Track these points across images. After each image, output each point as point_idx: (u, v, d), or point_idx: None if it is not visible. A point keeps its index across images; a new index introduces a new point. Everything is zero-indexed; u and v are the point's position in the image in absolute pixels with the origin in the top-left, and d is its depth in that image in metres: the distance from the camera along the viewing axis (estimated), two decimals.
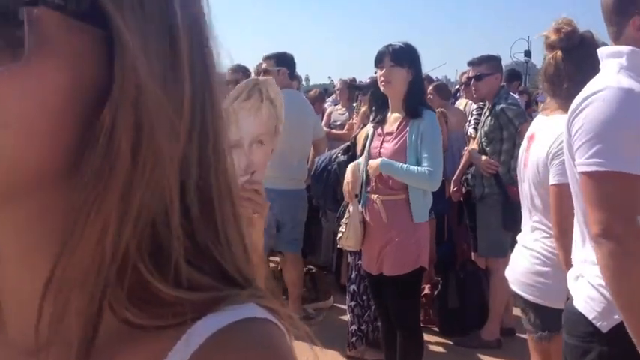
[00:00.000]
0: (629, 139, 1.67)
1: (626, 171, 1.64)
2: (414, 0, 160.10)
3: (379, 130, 3.55)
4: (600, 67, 1.89)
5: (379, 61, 3.45)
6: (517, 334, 4.51)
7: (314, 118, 5.23)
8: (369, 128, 3.67)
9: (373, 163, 3.36)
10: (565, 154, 1.87)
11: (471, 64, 4.71)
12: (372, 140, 3.59)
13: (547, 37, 2.38)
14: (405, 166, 3.32)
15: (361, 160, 3.61)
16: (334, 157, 4.24)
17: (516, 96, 5.86)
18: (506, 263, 4.44)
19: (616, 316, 1.73)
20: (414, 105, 3.39)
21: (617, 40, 1.87)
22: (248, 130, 1.62)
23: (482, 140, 4.56)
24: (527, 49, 27.44)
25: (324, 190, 4.13)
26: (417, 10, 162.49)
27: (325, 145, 5.15)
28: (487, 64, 4.60)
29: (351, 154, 4.11)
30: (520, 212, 2.72)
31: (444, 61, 35.81)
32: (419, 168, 3.30)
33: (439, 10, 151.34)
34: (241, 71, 5.06)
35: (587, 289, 1.83)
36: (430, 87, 5.85)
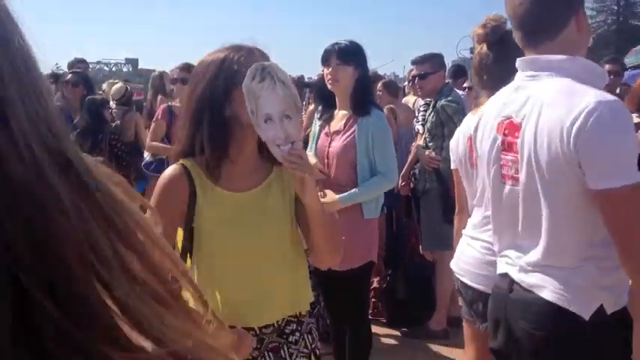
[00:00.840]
0: (634, 149, 1.76)
1: (637, 179, 1.73)
2: None
3: (326, 129, 3.58)
4: (532, 74, 1.93)
5: (326, 60, 3.48)
6: (463, 324, 4.64)
7: None
8: (316, 127, 3.69)
9: (329, 200, 3.28)
10: (551, 162, 1.82)
11: (414, 62, 4.81)
12: (318, 139, 3.62)
13: (475, 31, 2.50)
14: (360, 189, 3.35)
15: (311, 159, 3.63)
16: None
17: (462, 92, 6.01)
18: (451, 255, 4.59)
19: (596, 303, 1.81)
20: (361, 102, 3.43)
21: (548, 39, 1.91)
22: (274, 106, 1.74)
23: (426, 136, 4.67)
24: (472, 45, 27.97)
25: None
26: (367, 6, 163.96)
27: None
28: (430, 62, 4.70)
29: None
30: None
31: (391, 58, 36.08)
32: (373, 179, 3.37)
33: (389, 6, 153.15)
34: (186, 69, 5.04)
35: (558, 280, 1.86)
36: (379, 84, 5.94)
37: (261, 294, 1.88)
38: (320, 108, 3.71)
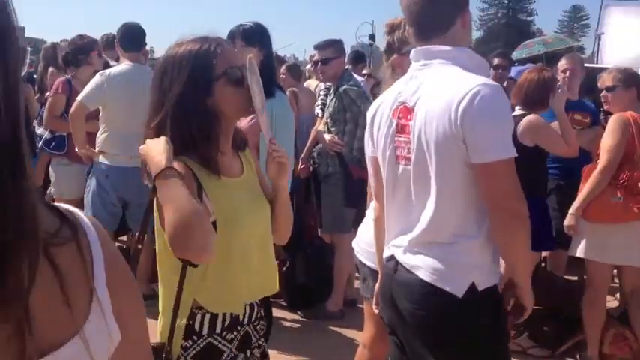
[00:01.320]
0: (511, 128, 2.07)
1: (515, 155, 2.00)
2: None
3: None
4: (425, 62, 2.11)
5: (230, 41, 3.45)
6: (358, 305, 4.78)
7: None
8: None
9: None
10: (439, 140, 1.99)
11: (317, 48, 4.86)
12: None
13: None
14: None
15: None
16: None
17: (361, 78, 6.13)
18: (350, 238, 4.69)
19: (468, 280, 2.00)
20: (266, 84, 3.44)
21: (438, 35, 2.11)
22: (256, 99, 1.85)
23: (328, 121, 4.74)
24: (371, 32, 28.48)
25: None
26: None
27: None
28: (332, 48, 4.77)
29: None
30: (362, 190, 2.88)
31: (293, 41, 36.15)
32: None
33: None
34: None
35: (432, 261, 2.04)
36: (283, 67, 5.96)
37: (269, 268, 2.02)
38: None
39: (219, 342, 1.86)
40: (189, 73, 1.81)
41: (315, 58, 4.89)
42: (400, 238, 2.16)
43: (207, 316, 1.84)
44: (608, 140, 3.81)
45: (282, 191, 2.00)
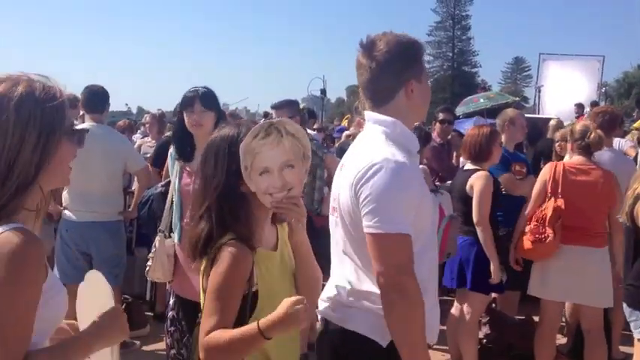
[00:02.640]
0: (405, 205, 2.02)
1: (404, 232, 1.99)
2: (209, 37, 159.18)
3: (187, 168, 3.72)
4: (365, 127, 2.24)
5: (189, 105, 3.63)
6: None
7: (125, 149, 5.21)
8: (177, 165, 3.81)
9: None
10: (348, 208, 2.11)
11: (273, 107, 5.17)
12: (180, 177, 3.76)
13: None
14: None
15: (174, 196, 3.78)
16: (155, 188, 4.36)
17: (313, 132, 6.44)
18: None
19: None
20: None
21: (382, 104, 2.18)
22: (274, 159, 1.92)
23: None
24: (322, 87, 29.22)
25: (147, 220, 4.23)
26: (226, 42, 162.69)
27: (148, 175, 5.13)
28: (288, 107, 5.07)
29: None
30: (324, 238, 3.06)
31: (246, 95, 36.67)
32: None
33: (242, 44, 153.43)
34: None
35: (359, 312, 2.14)
36: (227, 114, 6.22)
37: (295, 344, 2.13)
38: (176, 148, 3.82)
39: None
40: (223, 168, 1.97)
41: (272, 117, 5.14)
42: (327, 294, 2.27)
43: None
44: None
45: (304, 249, 2.08)
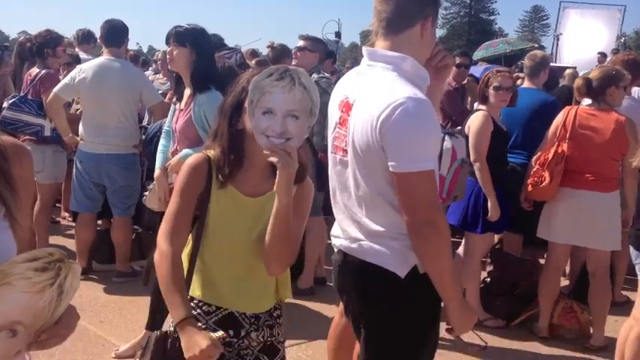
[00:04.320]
0: (431, 141, 2.07)
1: (431, 168, 2.04)
2: None
3: (177, 106, 3.81)
4: (370, 63, 2.20)
5: (167, 41, 3.73)
6: (328, 283, 5.05)
7: (141, 82, 5.20)
8: (176, 105, 3.88)
9: (173, 161, 3.65)
10: (368, 148, 2.09)
11: (301, 37, 5.16)
12: (172, 116, 3.85)
13: None
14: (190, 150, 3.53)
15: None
16: (163, 124, 4.41)
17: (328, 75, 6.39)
18: (319, 221, 4.94)
19: (409, 264, 2.11)
20: (199, 82, 3.65)
21: (399, 32, 2.15)
22: (280, 103, 1.84)
23: None
24: (337, 30, 28.78)
25: (152, 155, 4.29)
26: None
27: (163, 109, 5.06)
28: (314, 42, 5.08)
29: None
30: None
31: (259, 37, 36.36)
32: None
33: None
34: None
35: (377, 248, 2.16)
36: (253, 61, 6.19)
37: (250, 289, 2.10)
38: (174, 85, 3.94)
39: (195, 311, 2.07)
40: (234, 94, 2.05)
41: (298, 44, 5.12)
42: (343, 228, 2.29)
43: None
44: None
45: (282, 208, 1.93)
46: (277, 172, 1.88)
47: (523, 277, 4.73)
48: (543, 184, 4.12)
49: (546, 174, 4.11)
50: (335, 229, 2.38)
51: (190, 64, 3.65)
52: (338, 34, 28.09)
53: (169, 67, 3.77)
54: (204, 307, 2.10)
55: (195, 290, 2.10)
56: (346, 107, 2.21)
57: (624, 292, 5.12)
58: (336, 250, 2.39)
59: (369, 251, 2.19)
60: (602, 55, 13.94)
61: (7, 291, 1.20)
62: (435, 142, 2.11)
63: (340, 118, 2.24)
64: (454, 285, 2.13)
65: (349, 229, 2.26)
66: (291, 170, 1.87)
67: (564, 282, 5.10)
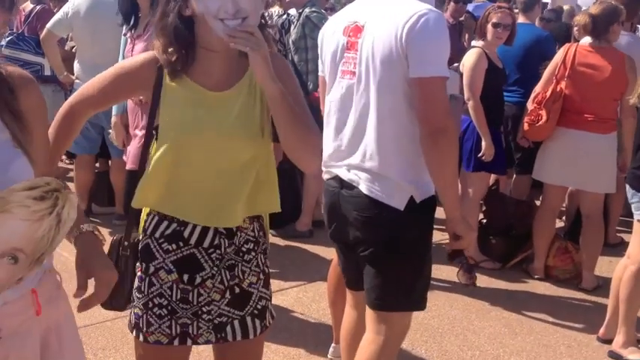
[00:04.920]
0: (446, 51, 2.21)
1: (447, 75, 2.19)
2: None
3: (129, 34, 3.76)
4: None
5: None
6: None
7: None
8: (127, 35, 3.81)
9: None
10: (390, 60, 2.17)
11: None
12: (124, 47, 3.80)
13: None
14: None
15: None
16: None
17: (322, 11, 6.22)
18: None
19: (407, 195, 2.24)
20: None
21: None
22: None
23: (290, 48, 4.81)
24: None
25: None
26: None
27: None
28: None
29: None
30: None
31: None
32: None
33: None
34: None
35: (376, 178, 2.26)
36: None
37: (213, 205, 1.81)
38: (122, 15, 3.88)
39: (155, 247, 1.84)
40: None
41: None
42: (341, 157, 2.34)
43: (156, 218, 1.85)
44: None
45: (270, 97, 1.73)
46: (249, 58, 1.68)
47: (519, 218, 4.77)
48: (540, 122, 4.10)
49: (543, 112, 4.08)
50: (331, 156, 2.40)
51: None
52: None
53: None
54: (159, 225, 1.83)
55: (149, 200, 1.83)
56: (354, 30, 2.28)
57: (619, 234, 5.19)
58: (329, 176, 2.43)
59: (370, 184, 2.27)
60: None
61: (7, 218, 1.20)
62: (447, 52, 2.23)
63: (348, 43, 2.30)
64: (457, 196, 2.36)
65: (350, 159, 2.32)
66: (262, 51, 1.66)
67: (559, 223, 5.15)
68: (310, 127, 1.80)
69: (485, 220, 4.90)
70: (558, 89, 4.07)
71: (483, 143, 4.20)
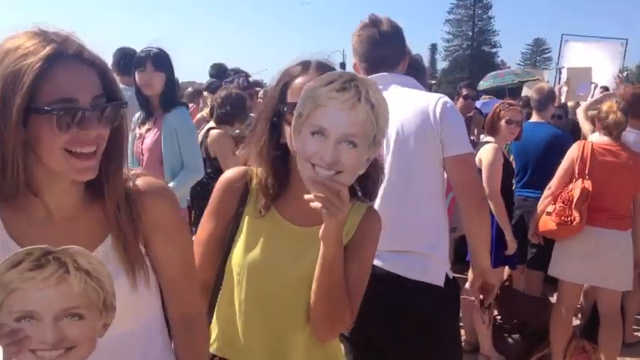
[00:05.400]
0: None
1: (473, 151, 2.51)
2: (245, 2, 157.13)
3: (138, 130, 3.83)
4: (388, 86, 2.48)
5: (141, 65, 3.73)
6: None
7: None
8: (136, 130, 3.89)
9: None
10: (417, 139, 2.34)
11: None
12: (133, 142, 3.85)
13: None
14: (172, 184, 3.57)
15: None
16: None
17: None
18: None
19: (443, 272, 2.36)
20: (168, 102, 3.74)
21: (393, 69, 2.58)
22: (336, 124, 1.41)
23: None
24: (342, 60, 29.08)
25: None
26: (248, 11, 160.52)
27: None
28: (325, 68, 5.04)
29: None
30: None
31: (265, 67, 36.65)
32: (180, 174, 3.68)
33: (270, 13, 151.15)
34: None
35: (418, 261, 2.32)
36: (261, 91, 6.20)
37: (270, 348, 1.65)
38: (140, 112, 3.94)
39: None
40: (270, 100, 1.68)
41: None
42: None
43: None
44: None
45: (324, 261, 1.53)
46: (323, 218, 1.48)
47: (533, 315, 4.64)
48: (574, 223, 3.99)
49: (576, 213, 3.97)
50: None
51: (162, 87, 3.75)
52: (343, 65, 28.26)
53: (145, 92, 3.77)
54: None
55: (212, 342, 1.71)
56: None
57: (636, 333, 5.03)
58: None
59: (406, 265, 2.32)
60: (605, 89, 13.93)
61: (23, 294, 1.13)
62: None
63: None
64: (488, 252, 2.56)
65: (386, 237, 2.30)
66: (338, 218, 1.46)
67: (575, 321, 5.00)
68: (342, 311, 1.59)
69: (499, 317, 4.76)
70: (586, 188, 4.01)
71: (507, 237, 4.18)
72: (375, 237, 1.68)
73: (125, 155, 1.36)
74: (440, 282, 2.34)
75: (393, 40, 2.57)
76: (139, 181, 1.40)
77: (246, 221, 1.67)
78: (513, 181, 4.83)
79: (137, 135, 3.87)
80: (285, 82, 1.65)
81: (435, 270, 2.34)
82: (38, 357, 1.18)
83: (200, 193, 4.33)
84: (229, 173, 1.74)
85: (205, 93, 5.75)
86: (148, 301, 1.44)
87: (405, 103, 2.39)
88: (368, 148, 1.46)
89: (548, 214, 4.13)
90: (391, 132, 2.33)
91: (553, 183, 4.22)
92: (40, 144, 1.22)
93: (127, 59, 5.13)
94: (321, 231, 1.50)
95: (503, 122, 4.34)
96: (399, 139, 2.35)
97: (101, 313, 1.21)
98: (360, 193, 1.67)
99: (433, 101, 2.36)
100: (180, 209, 1.47)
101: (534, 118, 5.19)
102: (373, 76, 2.51)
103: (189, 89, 6.19)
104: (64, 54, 1.22)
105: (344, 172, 1.45)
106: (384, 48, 2.55)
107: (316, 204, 1.44)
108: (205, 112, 5.60)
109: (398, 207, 2.33)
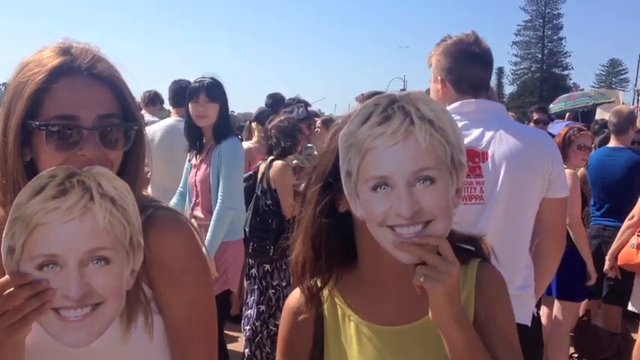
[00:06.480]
0: None
1: None
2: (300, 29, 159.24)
3: (193, 161, 3.80)
4: (480, 113, 2.35)
5: (194, 96, 3.66)
6: None
7: None
8: (192, 161, 3.86)
9: None
10: (523, 177, 2.26)
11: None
12: (187, 173, 3.85)
13: None
14: (208, 236, 3.49)
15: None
16: None
17: None
18: None
19: (530, 311, 2.35)
20: (221, 133, 3.67)
21: (484, 93, 2.45)
22: (397, 164, 1.10)
23: None
24: (403, 87, 29.01)
25: None
26: (304, 40, 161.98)
27: None
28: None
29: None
30: None
31: (323, 96, 36.99)
32: (214, 216, 3.54)
33: (328, 40, 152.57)
34: None
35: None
36: (318, 121, 6.16)
37: None
38: (190, 143, 3.89)
39: None
40: (326, 162, 1.26)
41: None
42: None
43: None
44: None
45: (450, 345, 1.13)
46: (432, 298, 1.12)
47: (613, 353, 4.34)
48: None
49: None
50: None
51: (216, 118, 3.68)
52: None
53: (198, 123, 3.70)
54: None
55: None
56: (472, 155, 2.24)
57: None
58: None
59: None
60: None
61: (50, 228, 1.03)
62: None
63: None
64: None
65: None
66: (447, 284, 1.09)
67: None
68: None
69: (576, 355, 4.47)
70: None
71: (588, 266, 3.99)
72: (505, 298, 1.28)
73: (140, 180, 1.23)
74: (528, 321, 2.31)
75: (491, 61, 2.46)
76: (158, 212, 1.26)
77: (328, 344, 1.31)
78: (587, 209, 4.59)
79: (192, 165, 3.83)
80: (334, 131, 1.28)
81: (525, 310, 2.30)
82: (62, 318, 1.06)
83: (259, 225, 4.28)
84: (291, 301, 1.37)
85: (254, 124, 5.69)
86: (146, 354, 1.23)
87: (505, 142, 2.27)
88: (451, 177, 1.13)
89: (634, 246, 3.85)
90: (487, 176, 2.23)
91: (636, 212, 3.95)
92: (39, 162, 1.14)
93: (181, 91, 5.19)
94: (430, 315, 1.13)
95: (575, 148, 4.14)
96: (500, 189, 2.22)
97: (128, 254, 1.10)
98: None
99: (545, 137, 2.35)
100: (199, 251, 1.29)
101: (612, 142, 4.90)
102: (463, 104, 2.32)
103: (247, 123, 6.20)
104: (73, 68, 1.14)
105: (434, 220, 1.12)
106: (485, 69, 2.44)
107: (417, 277, 1.10)
108: (252, 142, 5.57)
109: (502, 246, 1.94)
